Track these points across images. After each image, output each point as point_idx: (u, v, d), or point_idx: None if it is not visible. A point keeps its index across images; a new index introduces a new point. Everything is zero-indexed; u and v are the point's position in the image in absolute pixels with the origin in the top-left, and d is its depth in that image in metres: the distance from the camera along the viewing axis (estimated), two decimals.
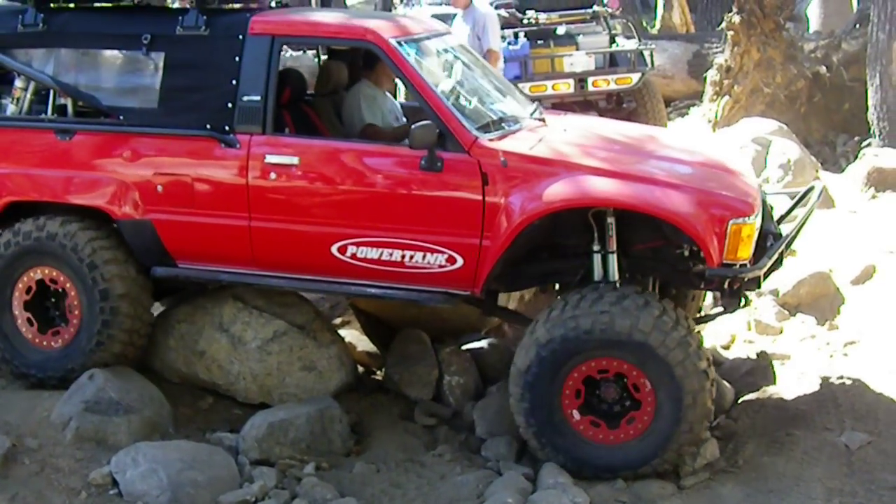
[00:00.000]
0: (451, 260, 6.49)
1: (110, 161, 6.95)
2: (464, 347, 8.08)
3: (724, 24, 13.96)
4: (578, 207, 6.31)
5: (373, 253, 6.57)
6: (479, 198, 6.38)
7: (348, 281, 6.77)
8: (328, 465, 6.68)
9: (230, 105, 6.75)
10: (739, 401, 7.35)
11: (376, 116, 7.52)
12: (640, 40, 14.48)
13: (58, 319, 7.18)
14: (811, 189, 7.05)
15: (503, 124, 6.82)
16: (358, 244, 6.58)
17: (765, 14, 13.45)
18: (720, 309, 6.92)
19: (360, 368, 7.90)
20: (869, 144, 12.36)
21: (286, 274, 6.88)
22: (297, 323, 7.33)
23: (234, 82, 6.75)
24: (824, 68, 13.71)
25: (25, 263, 7.05)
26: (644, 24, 20.39)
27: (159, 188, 6.82)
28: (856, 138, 13.04)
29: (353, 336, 8.17)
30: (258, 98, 6.71)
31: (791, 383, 7.44)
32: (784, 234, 6.69)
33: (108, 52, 7.27)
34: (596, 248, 6.47)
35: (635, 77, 13.41)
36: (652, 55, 14.15)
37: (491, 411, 7.30)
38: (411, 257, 6.54)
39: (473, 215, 6.40)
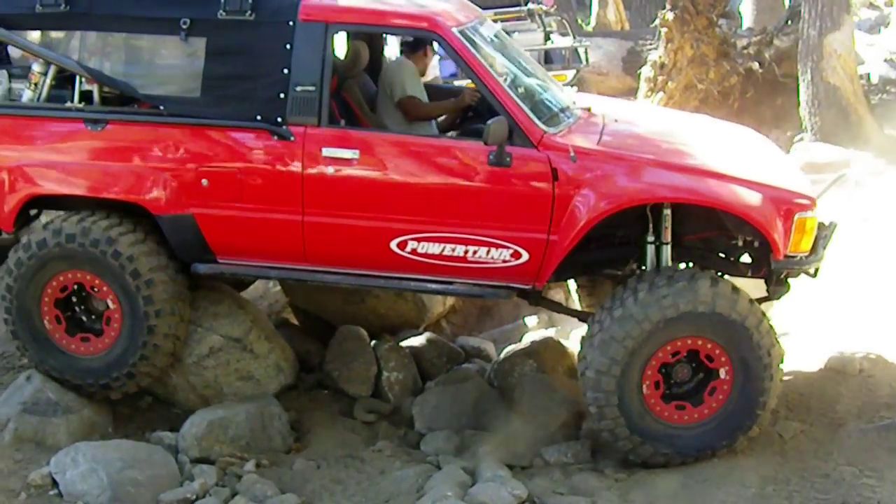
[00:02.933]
0: (517, 255, 6.36)
1: (148, 153, 6.57)
2: (402, 343, 8.12)
3: (657, 21, 14.08)
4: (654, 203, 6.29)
5: (434, 248, 6.42)
6: (549, 193, 6.25)
7: (407, 276, 6.58)
8: (268, 462, 6.70)
9: (282, 95, 6.41)
10: None
11: (416, 89, 7.25)
12: (574, 37, 14.57)
13: (89, 325, 6.85)
14: (842, 176, 7.07)
15: (562, 116, 6.69)
16: (419, 240, 6.41)
17: (698, 11, 13.59)
18: (765, 296, 6.80)
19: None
20: (801, 139, 12.56)
21: (339, 269, 6.65)
22: (234, 336, 7.15)
23: (285, 71, 6.41)
24: (757, 64, 13.88)
25: (58, 268, 6.66)
26: (579, 21, 20.50)
27: (204, 182, 6.50)
28: (788, 133, 13.22)
29: (292, 333, 8.16)
30: (313, 88, 6.40)
31: None
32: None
33: (142, 37, 6.85)
34: (650, 239, 6.44)
35: (570, 74, 13.51)
36: (586, 52, 14.25)
37: (430, 406, 7.37)
38: (475, 252, 6.39)
39: (542, 211, 6.28)
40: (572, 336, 8.50)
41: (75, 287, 6.74)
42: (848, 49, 12.50)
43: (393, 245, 6.43)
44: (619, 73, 16.69)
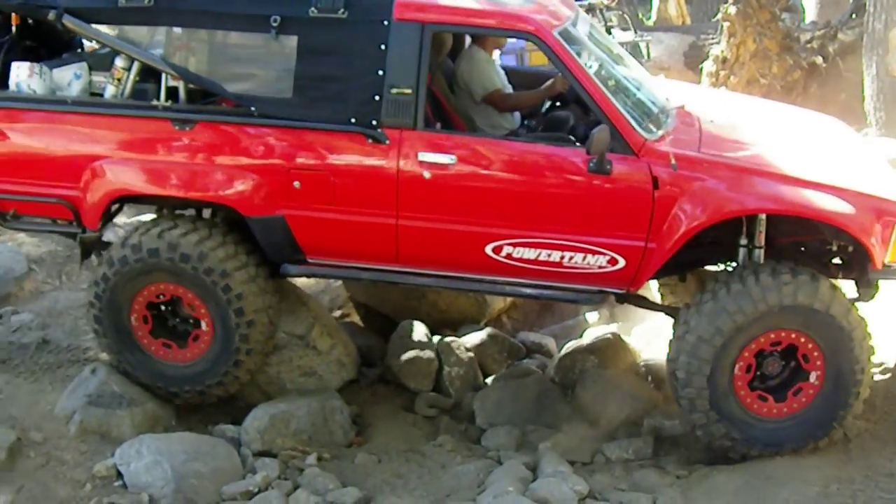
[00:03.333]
0: (613, 262, 6.28)
1: (238, 153, 6.46)
2: (463, 339, 8.13)
3: (720, 16, 13.99)
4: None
5: (530, 253, 6.32)
6: (649, 202, 6.16)
7: (502, 280, 6.52)
8: (330, 456, 6.72)
9: (377, 97, 6.26)
10: None
11: (495, 82, 7.11)
12: (636, 32, 14.53)
13: (175, 330, 6.87)
14: None
15: (660, 118, 6.55)
16: (515, 245, 6.32)
17: (760, 5, 13.48)
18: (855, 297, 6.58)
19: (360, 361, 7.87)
20: (866, 134, 12.39)
21: (431, 271, 6.58)
22: (297, 333, 7.15)
23: (380, 72, 6.24)
24: (820, 58, 13.74)
25: (163, 278, 6.60)
26: (640, 15, 20.37)
27: (296, 184, 6.38)
28: (853, 128, 13.06)
29: (354, 328, 8.18)
30: (409, 91, 6.23)
31: None
32: None
33: (230, 34, 6.62)
34: (743, 241, 6.38)
35: None
36: (648, 47, 14.21)
37: (491, 401, 7.38)
38: (570, 258, 6.30)
39: (641, 219, 6.20)
40: (634, 332, 8.47)
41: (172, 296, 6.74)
42: None
43: (488, 249, 6.36)
44: (680, 67, 16.56)
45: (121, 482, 6.25)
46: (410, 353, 7.75)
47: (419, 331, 7.95)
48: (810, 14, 18.83)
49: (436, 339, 7.99)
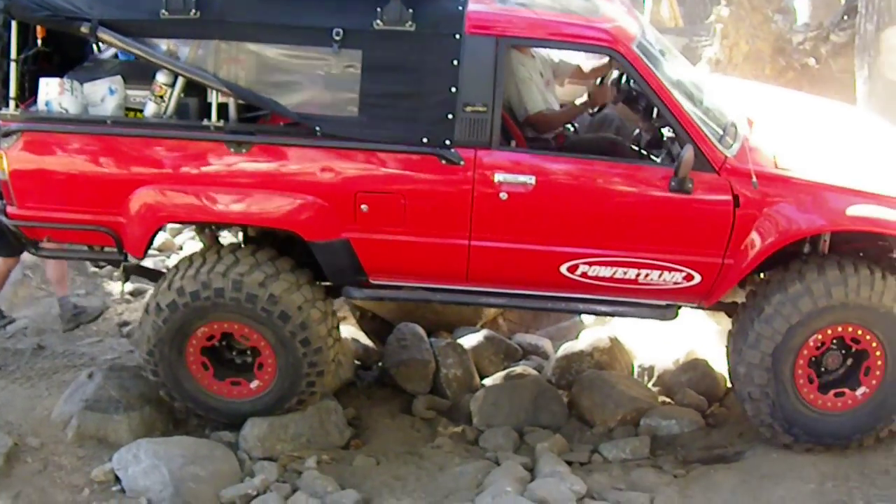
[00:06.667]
0: (689, 278, 6.20)
1: (300, 177, 6.12)
2: (459, 341, 8.13)
3: (712, 18, 14.01)
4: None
5: (605, 272, 6.20)
6: (729, 220, 6.08)
7: (575, 297, 6.40)
8: (329, 459, 6.70)
9: (450, 116, 5.98)
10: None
11: (538, 103, 6.67)
12: None
13: (240, 369, 6.68)
14: None
15: (734, 132, 6.34)
16: (591, 263, 6.18)
17: (753, 6, 13.49)
18: None
19: (357, 363, 7.90)
20: None
21: (503, 289, 6.44)
22: None
23: (453, 90, 5.96)
24: (813, 60, 13.74)
25: (206, 318, 6.39)
26: None
27: (363, 207, 6.11)
28: None
29: (350, 332, 8.19)
30: (484, 108, 5.96)
31: None
32: None
33: (288, 48, 6.06)
34: (807, 249, 6.32)
35: None
36: None
37: (488, 403, 7.37)
38: (646, 276, 6.21)
39: (719, 236, 6.11)
40: (629, 333, 8.49)
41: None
42: None
43: (563, 269, 6.23)
44: None
45: (119, 487, 6.25)
46: (407, 356, 7.74)
47: (416, 333, 7.95)
48: (802, 16, 18.85)
49: (432, 341, 7.98)
